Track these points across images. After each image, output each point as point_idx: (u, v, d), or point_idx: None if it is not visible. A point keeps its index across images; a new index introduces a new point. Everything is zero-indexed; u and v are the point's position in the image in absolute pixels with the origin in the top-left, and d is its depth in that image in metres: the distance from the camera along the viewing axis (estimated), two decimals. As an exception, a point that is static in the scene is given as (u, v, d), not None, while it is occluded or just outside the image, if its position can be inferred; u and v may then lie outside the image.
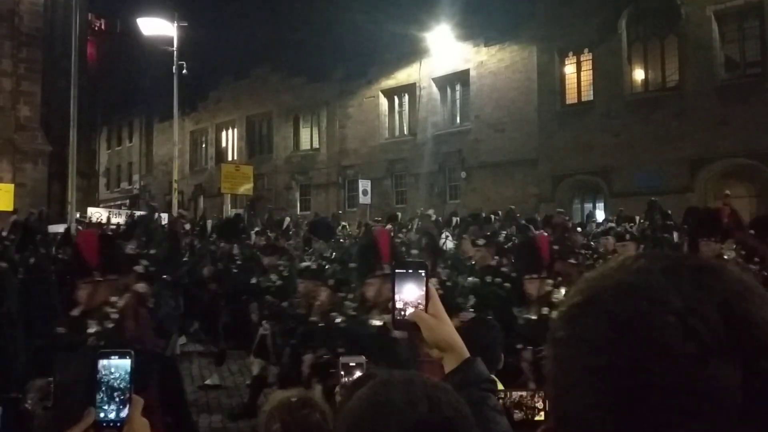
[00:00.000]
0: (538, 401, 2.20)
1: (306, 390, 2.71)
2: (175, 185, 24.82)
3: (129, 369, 1.31)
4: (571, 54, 23.19)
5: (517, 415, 1.83)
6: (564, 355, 0.64)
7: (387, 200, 27.43)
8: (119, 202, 39.45)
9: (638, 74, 22.12)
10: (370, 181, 26.03)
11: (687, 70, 20.39)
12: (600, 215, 20.79)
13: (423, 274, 1.44)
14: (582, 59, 22.97)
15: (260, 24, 41.21)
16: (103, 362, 1.30)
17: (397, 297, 1.45)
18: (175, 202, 24.79)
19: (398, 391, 1.05)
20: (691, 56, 20.26)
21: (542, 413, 2.16)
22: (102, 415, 1.27)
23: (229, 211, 28.05)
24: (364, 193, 24.80)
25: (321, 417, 2.38)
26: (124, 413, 1.28)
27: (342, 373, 2.37)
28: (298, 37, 35.71)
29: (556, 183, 22.79)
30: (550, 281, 4.63)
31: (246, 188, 27.58)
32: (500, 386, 2.83)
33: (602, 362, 0.59)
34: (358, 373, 2.33)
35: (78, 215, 18.68)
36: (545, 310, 4.47)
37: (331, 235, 9.89)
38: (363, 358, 2.37)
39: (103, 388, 1.29)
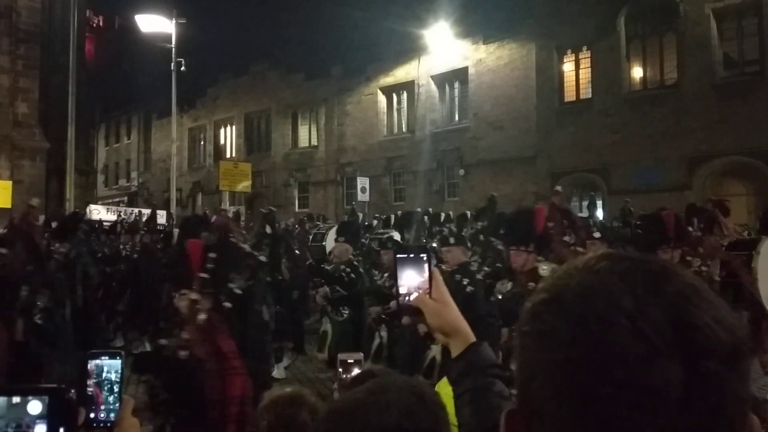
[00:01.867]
0: None
1: (301, 387, 2.68)
2: (173, 182, 24.80)
3: (120, 369, 1.31)
4: (569, 51, 23.19)
5: None
6: (528, 348, 0.70)
7: (385, 198, 27.43)
8: (117, 200, 39.42)
9: (637, 72, 22.13)
10: (368, 178, 26.02)
11: (685, 68, 20.40)
12: (599, 213, 20.83)
13: (425, 259, 1.43)
14: (581, 57, 22.97)
15: (259, 21, 41.16)
16: (93, 362, 1.30)
17: (400, 282, 1.43)
18: (173, 199, 24.80)
19: (375, 396, 1.04)
20: (690, 54, 20.27)
21: None
22: (92, 415, 1.27)
23: (227, 208, 28.06)
24: (363, 190, 24.78)
25: (310, 415, 2.34)
26: (114, 413, 1.29)
27: (340, 369, 2.36)
28: (296, 34, 35.67)
29: (554, 180, 22.75)
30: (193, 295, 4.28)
31: (244, 185, 27.58)
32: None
33: (560, 357, 0.65)
34: (356, 370, 2.32)
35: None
36: (162, 342, 4.30)
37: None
38: (361, 355, 2.36)
39: (94, 389, 1.29)
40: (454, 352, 1.40)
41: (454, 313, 1.42)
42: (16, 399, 0.80)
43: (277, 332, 8.99)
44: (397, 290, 1.44)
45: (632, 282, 0.65)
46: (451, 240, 6.68)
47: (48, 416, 0.83)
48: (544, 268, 4.57)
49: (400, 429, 0.99)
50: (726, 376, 0.61)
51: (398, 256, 1.45)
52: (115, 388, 1.29)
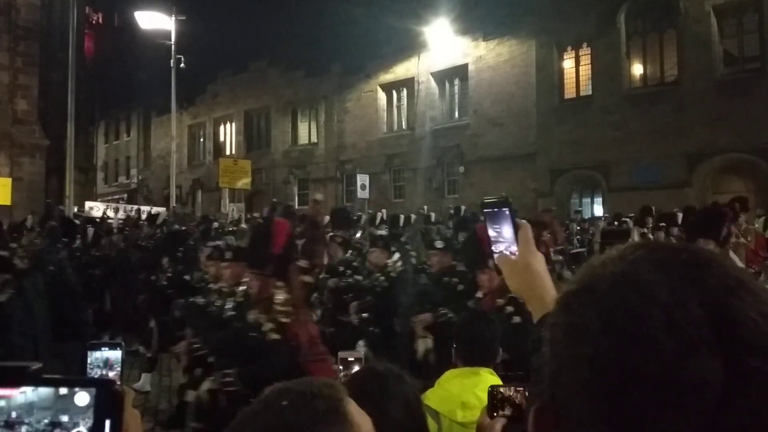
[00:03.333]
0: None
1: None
2: (173, 179, 24.81)
3: (120, 360, 1.30)
4: (569, 48, 23.15)
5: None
6: (556, 340, 0.66)
7: (385, 195, 27.42)
8: (117, 197, 39.42)
9: (637, 69, 22.10)
10: (368, 175, 25.98)
11: (686, 65, 20.38)
12: (598, 210, 20.87)
13: (507, 212, 1.33)
14: (581, 54, 22.93)
15: (258, 18, 41.13)
16: (94, 354, 1.30)
17: (492, 238, 1.34)
18: (173, 196, 24.81)
19: (256, 404, 1.04)
20: (690, 51, 20.24)
21: None
22: None
23: (227, 205, 28.08)
24: (363, 187, 24.76)
25: None
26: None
27: (341, 367, 2.34)
28: (296, 31, 35.68)
29: (554, 178, 22.79)
30: None
31: (244, 183, 27.56)
32: (498, 381, 2.82)
33: (589, 351, 0.61)
34: (356, 368, 2.31)
35: (75, 209, 18.68)
36: None
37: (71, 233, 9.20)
38: (361, 353, 2.35)
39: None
40: (534, 318, 1.31)
41: (534, 275, 1.32)
42: (63, 390, 0.81)
43: (162, 341, 8.09)
44: (490, 248, 1.36)
45: (669, 272, 0.61)
46: (226, 255, 5.61)
47: (95, 408, 0.83)
48: (280, 298, 3.91)
49: (275, 428, 0.99)
50: None
51: (485, 210, 1.35)
52: (116, 380, 1.29)
